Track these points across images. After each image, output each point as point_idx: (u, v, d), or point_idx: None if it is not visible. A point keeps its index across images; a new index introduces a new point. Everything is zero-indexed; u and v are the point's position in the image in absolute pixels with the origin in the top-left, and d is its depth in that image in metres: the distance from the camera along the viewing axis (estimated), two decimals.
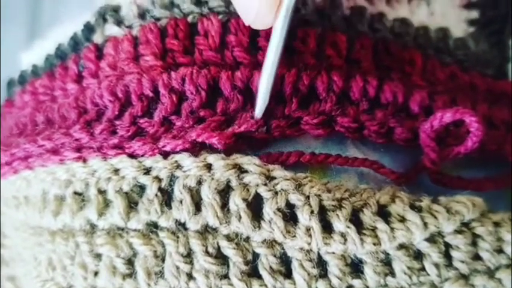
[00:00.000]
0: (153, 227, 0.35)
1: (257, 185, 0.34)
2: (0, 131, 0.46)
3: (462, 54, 0.43)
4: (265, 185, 0.34)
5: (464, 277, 0.35)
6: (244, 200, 0.34)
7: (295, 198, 0.34)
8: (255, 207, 0.34)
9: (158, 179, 0.35)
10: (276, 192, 0.34)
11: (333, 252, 0.35)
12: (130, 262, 0.35)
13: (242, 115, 0.36)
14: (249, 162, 0.34)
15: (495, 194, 0.40)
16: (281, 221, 0.34)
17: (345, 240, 0.34)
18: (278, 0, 0.33)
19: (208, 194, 0.34)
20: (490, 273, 0.35)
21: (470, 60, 0.43)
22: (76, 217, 0.36)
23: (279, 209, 0.34)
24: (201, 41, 0.37)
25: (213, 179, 0.34)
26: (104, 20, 0.40)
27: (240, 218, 0.34)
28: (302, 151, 0.36)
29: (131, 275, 0.35)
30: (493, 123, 0.41)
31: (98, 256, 0.36)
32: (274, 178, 0.34)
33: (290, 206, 0.34)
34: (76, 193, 0.36)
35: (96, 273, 0.36)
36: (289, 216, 0.34)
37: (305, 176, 0.35)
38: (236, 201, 0.34)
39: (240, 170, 0.34)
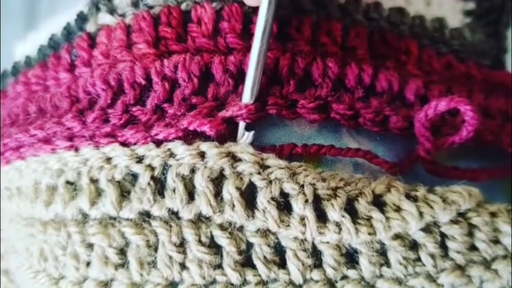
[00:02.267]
0: (146, 216, 0.35)
1: (251, 174, 0.34)
2: None
3: (458, 44, 0.42)
4: (259, 173, 0.34)
5: (460, 268, 0.34)
6: (238, 188, 0.33)
7: (289, 187, 0.34)
8: (248, 196, 0.34)
9: (151, 168, 0.34)
10: (270, 181, 0.34)
11: (328, 242, 0.34)
12: (122, 252, 0.35)
13: (232, 99, 0.35)
14: (243, 150, 0.34)
15: (492, 186, 0.39)
16: (275, 210, 0.33)
17: (340, 229, 0.34)
18: None
19: (201, 182, 0.33)
20: (487, 264, 0.34)
21: (466, 50, 0.43)
22: (67, 207, 0.35)
23: (273, 198, 0.34)
24: (194, 28, 0.37)
25: (206, 167, 0.34)
26: (97, 9, 0.40)
27: (233, 207, 0.33)
28: (295, 143, 0.36)
29: (124, 264, 0.35)
30: (489, 113, 0.41)
31: (90, 246, 0.35)
32: (268, 167, 0.34)
33: (284, 195, 0.34)
34: (68, 182, 0.36)
35: (88, 264, 0.35)
36: (284, 205, 0.34)
37: (300, 164, 0.35)
38: (230, 190, 0.33)
39: (234, 158, 0.34)
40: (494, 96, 0.42)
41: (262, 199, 0.34)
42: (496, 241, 0.35)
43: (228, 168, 0.34)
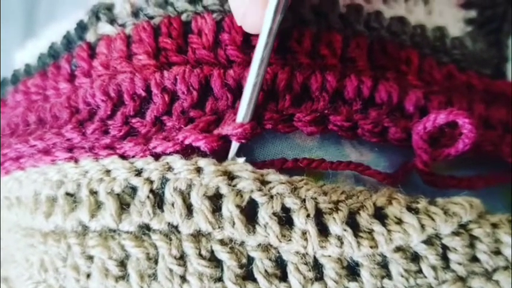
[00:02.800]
0: (145, 229, 0.35)
1: (251, 191, 0.34)
2: None
3: (459, 54, 0.42)
4: (260, 190, 0.34)
5: (462, 279, 0.34)
6: (238, 206, 0.33)
7: (291, 202, 0.33)
8: (248, 211, 0.34)
9: (149, 181, 0.34)
10: (272, 197, 0.34)
11: (329, 256, 0.34)
12: (122, 264, 0.35)
13: (230, 115, 0.35)
14: (241, 169, 0.34)
15: (492, 195, 0.39)
16: (277, 225, 0.33)
17: (342, 243, 0.33)
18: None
19: (197, 200, 0.33)
20: (488, 275, 0.34)
21: (467, 59, 0.43)
22: (67, 218, 0.35)
23: (274, 214, 0.33)
24: (195, 40, 0.37)
25: (201, 184, 0.33)
26: (98, 18, 0.40)
27: (233, 224, 0.33)
28: (285, 158, 0.36)
29: (124, 277, 0.35)
30: (489, 124, 0.41)
31: (90, 258, 0.35)
32: (269, 182, 0.34)
33: (285, 209, 0.34)
34: (67, 194, 0.36)
35: (88, 275, 0.35)
36: (285, 220, 0.34)
37: (301, 179, 0.34)
38: (229, 208, 0.33)
39: (231, 177, 0.34)
40: (495, 106, 0.42)
41: (264, 215, 0.33)
42: (497, 252, 0.35)
43: (224, 187, 0.34)
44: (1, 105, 0.46)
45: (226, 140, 0.35)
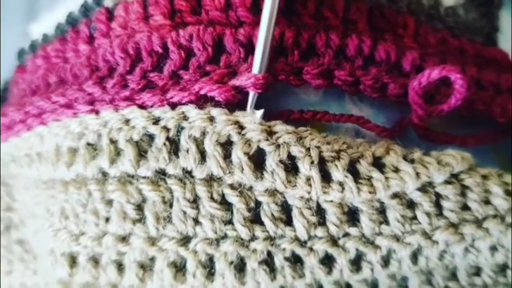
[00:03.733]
0: (162, 174, 0.37)
1: (259, 141, 0.36)
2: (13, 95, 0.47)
3: (452, 22, 0.45)
4: (267, 140, 0.36)
5: (454, 226, 0.37)
6: (246, 153, 0.36)
7: (296, 150, 0.36)
8: (257, 158, 0.36)
9: (166, 129, 0.36)
10: (278, 146, 0.36)
11: (332, 201, 0.36)
12: (139, 208, 0.37)
13: (243, 68, 0.37)
14: (250, 121, 0.36)
15: (484, 153, 0.42)
16: (283, 171, 0.36)
17: (343, 189, 0.36)
18: None
19: (210, 146, 0.36)
20: (478, 222, 0.37)
21: (459, 27, 0.45)
22: (88, 166, 0.37)
23: (281, 161, 0.36)
24: (208, 2, 0.39)
25: (214, 131, 0.36)
26: None
27: (242, 169, 0.36)
28: (292, 109, 0.38)
29: (141, 220, 0.37)
30: (481, 85, 0.43)
31: (109, 202, 0.37)
32: (276, 132, 0.36)
33: (291, 157, 0.36)
34: (88, 144, 0.38)
35: (107, 219, 0.38)
36: (291, 167, 0.36)
37: (306, 129, 0.37)
38: (238, 155, 0.36)
39: (241, 127, 0.36)
40: (486, 70, 0.44)
41: (271, 162, 0.36)
42: (487, 202, 0.37)
43: (235, 135, 0.36)
44: (21, 71, 0.48)
45: (241, 92, 0.37)
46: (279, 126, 0.36)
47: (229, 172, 0.36)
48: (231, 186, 0.36)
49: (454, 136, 0.40)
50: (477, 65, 0.44)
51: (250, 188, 0.37)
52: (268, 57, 0.37)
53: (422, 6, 0.44)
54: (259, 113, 0.37)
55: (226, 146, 0.36)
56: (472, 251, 0.38)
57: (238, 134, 0.36)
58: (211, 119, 0.36)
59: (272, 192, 0.37)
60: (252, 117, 0.36)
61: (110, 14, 0.41)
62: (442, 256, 0.38)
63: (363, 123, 0.39)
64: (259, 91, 0.37)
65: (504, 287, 0.39)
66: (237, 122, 0.36)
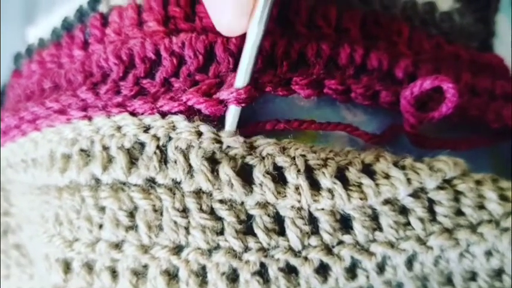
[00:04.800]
0: (152, 182, 0.37)
1: (243, 156, 0.36)
2: (8, 100, 0.48)
3: (447, 27, 0.45)
4: (251, 154, 0.36)
5: (448, 231, 0.37)
6: (233, 168, 0.36)
7: (281, 160, 0.36)
8: (244, 174, 0.36)
9: (156, 138, 0.37)
10: (263, 158, 0.36)
11: (323, 209, 0.36)
12: (132, 215, 0.37)
13: (228, 79, 0.37)
14: (234, 141, 0.36)
15: (480, 160, 0.42)
16: (271, 182, 0.36)
17: (333, 195, 0.36)
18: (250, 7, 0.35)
19: (196, 161, 0.36)
20: (473, 227, 0.37)
21: (455, 32, 0.45)
22: (81, 172, 0.38)
23: (267, 172, 0.36)
24: (202, 9, 0.39)
25: (200, 147, 0.36)
26: None
27: (232, 185, 0.36)
28: (278, 119, 0.38)
29: (133, 227, 0.37)
30: (475, 91, 0.43)
31: (102, 209, 0.37)
32: (258, 147, 0.36)
33: (278, 168, 0.36)
34: (81, 150, 0.38)
35: (101, 226, 0.38)
36: (279, 178, 0.36)
37: (289, 141, 0.37)
38: (226, 171, 0.36)
39: (225, 145, 0.36)
40: (480, 76, 0.44)
41: (258, 174, 0.36)
42: (481, 206, 0.37)
43: (218, 153, 0.36)
44: (16, 75, 0.49)
45: (227, 106, 0.37)
46: (260, 140, 0.37)
47: (218, 188, 0.36)
48: (220, 202, 0.36)
49: (445, 141, 0.40)
50: (471, 71, 0.44)
51: (242, 203, 0.37)
52: (253, 70, 0.36)
53: (416, 12, 0.44)
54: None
55: (213, 163, 0.36)
56: (467, 256, 0.38)
57: (221, 152, 0.36)
58: (199, 134, 0.36)
59: (263, 205, 0.37)
60: (236, 138, 0.36)
61: (104, 20, 0.42)
62: (437, 261, 0.38)
63: (351, 130, 0.39)
64: (241, 105, 0.37)
65: None
66: (220, 142, 0.36)
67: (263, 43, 0.36)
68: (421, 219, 0.36)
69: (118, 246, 0.37)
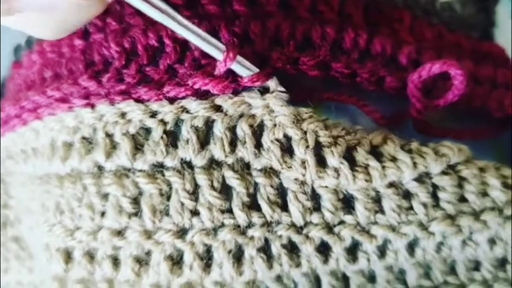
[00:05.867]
0: (159, 167, 0.37)
1: (263, 115, 0.36)
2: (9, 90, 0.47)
3: (448, 17, 0.45)
4: (269, 114, 0.36)
5: (451, 217, 0.37)
6: (251, 126, 0.36)
7: (292, 132, 0.36)
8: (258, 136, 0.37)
9: (163, 122, 0.37)
10: (275, 124, 0.36)
11: (326, 186, 0.37)
12: (135, 201, 0.37)
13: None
14: (256, 97, 0.36)
15: (484, 148, 0.42)
16: (278, 149, 0.36)
17: (338, 175, 0.36)
18: None
19: (220, 129, 0.36)
20: (476, 215, 0.37)
21: (456, 22, 0.45)
22: (83, 160, 0.38)
23: (276, 139, 0.36)
24: None
25: (226, 115, 0.36)
26: None
27: (244, 143, 0.36)
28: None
29: (137, 213, 0.37)
30: (477, 80, 0.43)
31: (105, 196, 0.37)
32: (274, 112, 0.37)
33: (289, 138, 0.36)
34: (83, 138, 0.38)
35: (103, 214, 0.38)
36: (287, 147, 0.36)
37: (306, 110, 0.37)
38: (243, 127, 0.36)
39: (249, 105, 0.37)
40: (482, 64, 0.44)
41: (266, 139, 0.36)
42: (485, 194, 0.37)
43: (245, 112, 0.37)
44: (17, 66, 0.48)
45: (236, 82, 0.37)
46: (278, 107, 0.37)
47: (231, 151, 0.36)
48: (232, 168, 0.36)
49: (449, 130, 0.40)
50: (473, 60, 0.44)
51: (249, 168, 0.37)
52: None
53: (418, 1, 0.44)
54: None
55: (232, 129, 0.37)
56: (470, 244, 0.38)
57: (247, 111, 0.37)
58: (217, 108, 0.37)
59: (268, 174, 0.37)
60: (255, 95, 0.37)
61: (105, 9, 0.41)
62: (439, 248, 0.38)
63: (363, 105, 0.39)
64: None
65: (504, 282, 0.39)
66: (245, 102, 0.37)
67: None
68: (424, 204, 0.36)
69: (120, 233, 0.37)
